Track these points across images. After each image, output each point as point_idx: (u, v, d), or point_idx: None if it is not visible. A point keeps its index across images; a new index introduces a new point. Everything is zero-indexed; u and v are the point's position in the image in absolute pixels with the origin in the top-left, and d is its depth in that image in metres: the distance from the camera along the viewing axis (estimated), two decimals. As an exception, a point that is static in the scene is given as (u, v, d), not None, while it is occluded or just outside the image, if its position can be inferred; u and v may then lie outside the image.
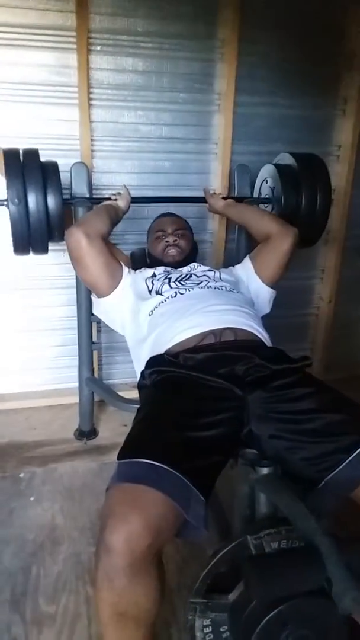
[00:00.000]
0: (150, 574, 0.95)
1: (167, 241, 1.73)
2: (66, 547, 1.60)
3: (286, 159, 1.97)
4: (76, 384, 2.15)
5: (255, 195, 2.15)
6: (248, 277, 1.72)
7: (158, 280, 1.62)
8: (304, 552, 0.95)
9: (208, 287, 1.56)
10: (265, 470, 1.14)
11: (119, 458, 1.07)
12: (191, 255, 1.77)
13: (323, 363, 2.70)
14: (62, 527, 1.68)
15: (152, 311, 1.51)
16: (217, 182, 2.33)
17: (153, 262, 1.76)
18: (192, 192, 2.27)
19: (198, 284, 1.58)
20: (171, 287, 1.57)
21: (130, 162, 2.26)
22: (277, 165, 1.96)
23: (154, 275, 1.67)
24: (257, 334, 1.43)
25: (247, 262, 1.76)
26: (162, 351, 1.38)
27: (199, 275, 1.65)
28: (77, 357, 2.09)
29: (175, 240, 1.73)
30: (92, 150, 2.18)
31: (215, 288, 1.56)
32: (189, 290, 1.54)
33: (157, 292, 1.57)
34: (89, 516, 1.73)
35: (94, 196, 2.19)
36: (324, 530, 0.94)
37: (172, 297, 1.52)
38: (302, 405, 1.21)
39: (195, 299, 1.49)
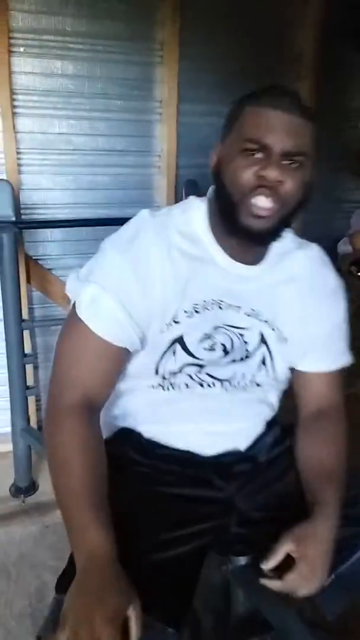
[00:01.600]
0: None
1: (261, 175, 0.85)
2: (0, 643, 1.33)
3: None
4: (9, 429, 1.86)
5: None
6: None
7: (178, 359, 0.96)
8: None
9: (234, 388, 1.01)
10: (241, 560, 0.93)
11: (58, 589, 0.82)
12: (289, 219, 0.93)
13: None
14: (-5, 617, 1.40)
15: (149, 387, 1.00)
16: (162, 198, 2.12)
17: (221, 204, 0.93)
18: (135, 209, 2.03)
19: (224, 381, 1.00)
20: (187, 382, 0.98)
21: (63, 178, 2.01)
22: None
23: (180, 341, 0.96)
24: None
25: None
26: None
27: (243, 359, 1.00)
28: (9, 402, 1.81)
29: (280, 181, 0.85)
30: (19, 165, 1.91)
31: (243, 388, 1.02)
32: (206, 388, 0.99)
33: (164, 378, 0.98)
34: (29, 598, 1.46)
35: (23, 218, 1.94)
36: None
37: (179, 387, 0.99)
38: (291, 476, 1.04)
39: (205, 412, 1.00)
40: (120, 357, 0.94)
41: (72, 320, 0.92)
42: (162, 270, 0.92)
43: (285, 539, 0.87)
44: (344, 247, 2.42)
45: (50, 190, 2.00)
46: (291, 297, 1.03)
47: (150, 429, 1.03)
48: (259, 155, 0.85)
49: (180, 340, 0.96)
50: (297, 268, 1.04)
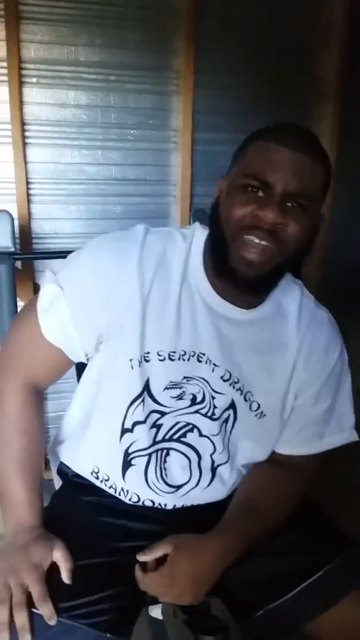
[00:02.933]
0: None
1: (257, 215, 0.78)
2: None
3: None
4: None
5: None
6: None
7: (146, 406, 0.90)
8: None
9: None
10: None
11: None
12: (287, 267, 0.86)
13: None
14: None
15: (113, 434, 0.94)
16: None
17: (213, 241, 0.87)
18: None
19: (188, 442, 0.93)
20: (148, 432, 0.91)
21: (75, 207, 1.98)
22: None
23: (147, 386, 0.89)
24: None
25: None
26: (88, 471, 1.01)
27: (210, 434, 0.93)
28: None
29: (280, 224, 0.78)
30: (30, 195, 1.89)
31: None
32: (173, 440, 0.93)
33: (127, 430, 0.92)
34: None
35: (34, 248, 1.92)
36: None
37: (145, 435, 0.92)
38: None
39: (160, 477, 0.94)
40: (64, 359, 0.93)
41: (32, 308, 0.92)
42: (136, 291, 0.85)
43: (166, 540, 0.85)
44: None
45: (61, 220, 1.97)
46: (282, 366, 0.93)
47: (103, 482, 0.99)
48: (260, 193, 0.79)
49: (147, 385, 0.89)
50: (297, 332, 0.93)
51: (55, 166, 1.92)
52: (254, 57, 2.02)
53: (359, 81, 2.10)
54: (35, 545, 0.83)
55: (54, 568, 0.82)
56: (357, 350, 2.43)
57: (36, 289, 1.95)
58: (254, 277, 0.81)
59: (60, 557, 0.82)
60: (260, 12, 1.99)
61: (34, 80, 1.83)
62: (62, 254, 1.95)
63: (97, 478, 0.98)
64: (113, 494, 0.97)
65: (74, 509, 0.98)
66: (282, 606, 0.88)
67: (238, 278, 0.82)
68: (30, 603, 0.76)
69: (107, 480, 0.97)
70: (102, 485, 0.98)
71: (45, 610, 0.76)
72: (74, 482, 1.02)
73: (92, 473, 0.99)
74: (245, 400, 0.92)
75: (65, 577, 0.81)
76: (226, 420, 0.94)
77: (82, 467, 1.01)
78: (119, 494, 0.96)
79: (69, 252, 1.95)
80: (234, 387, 0.91)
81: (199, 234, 0.91)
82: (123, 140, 1.97)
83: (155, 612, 0.99)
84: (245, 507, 0.92)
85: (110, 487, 0.97)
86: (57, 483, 1.10)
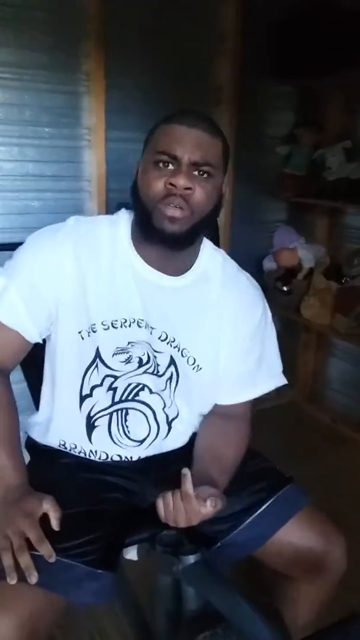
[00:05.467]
0: None
1: (171, 184, 0.92)
2: None
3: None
4: None
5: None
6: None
7: (100, 371, 1.05)
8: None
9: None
10: (191, 559, 0.97)
11: None
12: (202, 226, 0.99)
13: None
14: None
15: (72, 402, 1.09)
16: (93, 222, 2.17)
17: (137, 213, 1.00)
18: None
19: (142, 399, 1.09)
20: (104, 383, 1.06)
21: (-7, 203, 2.02)
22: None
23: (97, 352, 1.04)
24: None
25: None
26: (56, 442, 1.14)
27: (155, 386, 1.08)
28: None
29: (189, 188, 0.92)
30: None
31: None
32: (126, 401, 1.08)
33: (86, 395, 1.07)
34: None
35: None
36: (273, 634, 0.80)
37: (102, 396, 1.08)
38: None
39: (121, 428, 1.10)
40: (22, 340, 1.03)
41: None
42: (74, 271, 0.99)
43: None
44: (268, 264, 2.56)
45: (-21, 216, 2.00)
46: (211, 324, 1.07)
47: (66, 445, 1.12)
48: (170, 167, 0.93)
49: (98, 353, 1.03)
50: (222, 294, 1.07)
51: (-29, 163, 1.94)
52: (158, 63, 2.19)
53: (250, 87, 2.36)
54: (25, 499, 0.91)
55: (44, 519, 0.91)
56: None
57: None
58: (177, 232, 0.94)
59: (50, 507, 0.91)
60: (162, 23, 2.16)
61: None
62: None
63: (66, 448, 1.11)
64: (83, 457, 1.10)
65: (54, 470, 1.09)
66: (235, 537, 1.05)
67: (163, 235, 0.94)
68: (29, 547, 0.85)
69: (75, 448, 1.10)
70: (72, 452, 1.11)
71: (45, 549, 0.85)
72: (46, 450, 1.13)
73: (59, 446, 1.12)
74: (182, 355, 1.07)
75: (55, 524, 0.91)
76: (170, 378, 1.08)
77: (50, 442, 1.13)
78: (89, 456, 1.09)
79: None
80: (171, 346, 1.05)
81: (125, 216, 1.05)
82: (38, 138, 2.04)
83: (131, 554, 1.13)
84: (221, 466, 1.05)
85: (79, 453, 1.10)
86: (26, 456, 1.18)
